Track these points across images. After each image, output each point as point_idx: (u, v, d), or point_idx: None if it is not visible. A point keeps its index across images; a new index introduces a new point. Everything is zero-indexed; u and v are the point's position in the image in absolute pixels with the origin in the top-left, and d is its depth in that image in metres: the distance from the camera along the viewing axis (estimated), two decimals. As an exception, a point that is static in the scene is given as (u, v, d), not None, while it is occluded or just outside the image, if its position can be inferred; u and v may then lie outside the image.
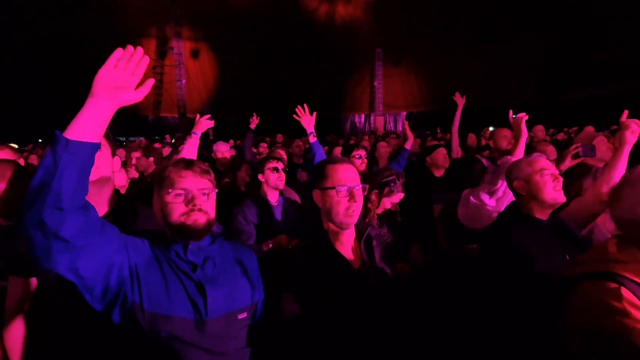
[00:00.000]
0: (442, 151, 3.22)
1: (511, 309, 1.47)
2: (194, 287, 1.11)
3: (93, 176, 1.27)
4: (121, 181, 2.47)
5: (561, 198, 1.55)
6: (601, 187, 1.72)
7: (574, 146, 2.36)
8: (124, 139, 14.37)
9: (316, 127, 2.84)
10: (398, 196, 2.21)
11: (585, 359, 0.96)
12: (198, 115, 2.58)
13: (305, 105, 2.82)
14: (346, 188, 1.25)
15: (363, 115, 17.97)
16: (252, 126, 4.18)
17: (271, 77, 15.23)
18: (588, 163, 2.45)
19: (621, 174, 1.69)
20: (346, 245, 1.31)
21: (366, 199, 1.46)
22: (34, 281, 1.39)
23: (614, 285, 0.96)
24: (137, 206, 1.47)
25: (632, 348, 0.87)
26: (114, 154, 1.42)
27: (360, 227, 1.36)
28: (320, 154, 2.80)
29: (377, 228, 1.62)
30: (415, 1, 13.50)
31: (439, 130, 10.46)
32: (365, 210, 1.46)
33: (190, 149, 2.45)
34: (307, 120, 2.80)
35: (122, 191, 2.19)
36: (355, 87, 17.44)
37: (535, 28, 11.81)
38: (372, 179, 2.15)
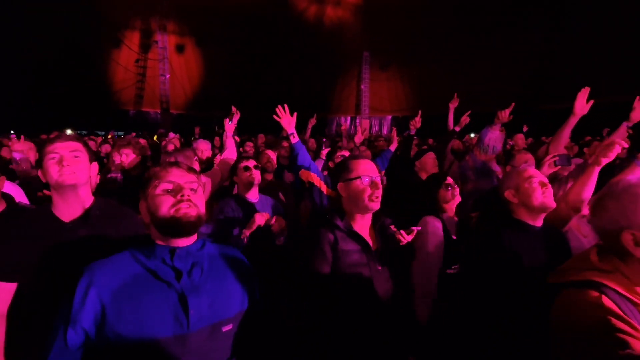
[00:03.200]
0: (431, 155, 3.23)
1: (498, 312, 1.50)
2: (175, 299, 1.04)
3: (70, 180, 1.34)
4: (94, 181, 2.41)
5: (550, 203, 1.61)
6: (571, 198, 1.79)
7: (550, 155, 2.42)
8: (102, 133, 13.95)
9: (302, 127, 2.83)
10: None
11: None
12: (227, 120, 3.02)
13: (285, 105, 2.78)
14: (369, 178, 1.46)
15: (349, 118, 18.05)
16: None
17: (258, 76, 15.10)
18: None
19: (591, 189, 1.76)
20: (363, 229, 1.50)
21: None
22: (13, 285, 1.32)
23: (595, 293, 0.99)
24: (114, 208, 1.47)
25: (611, 356, 0.88)
26: (91, 160, 1.45)
27: (377, 216, 1.54)
28: (303, 153, 2.80)
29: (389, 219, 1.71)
30: (403, 7, 13.67)
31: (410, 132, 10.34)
32: None
33: (231, 149, 2.85)
34: (288, 120, 2.77)
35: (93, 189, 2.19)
36: (342, 89, 17.52)
37: (520, 37, 12.14)
38: None
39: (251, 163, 2.56)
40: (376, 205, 1.45)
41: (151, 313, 1.01)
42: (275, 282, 2.01)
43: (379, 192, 1.45)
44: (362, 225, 1.49)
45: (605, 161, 1.75)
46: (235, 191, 2.74)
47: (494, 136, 2.88)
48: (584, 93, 2.48)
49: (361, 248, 1.43)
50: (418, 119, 3.75)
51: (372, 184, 1.45)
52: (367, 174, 1.47)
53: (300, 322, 1.39)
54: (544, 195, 1.61)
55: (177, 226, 1.07)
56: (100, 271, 1.04)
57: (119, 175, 2.87)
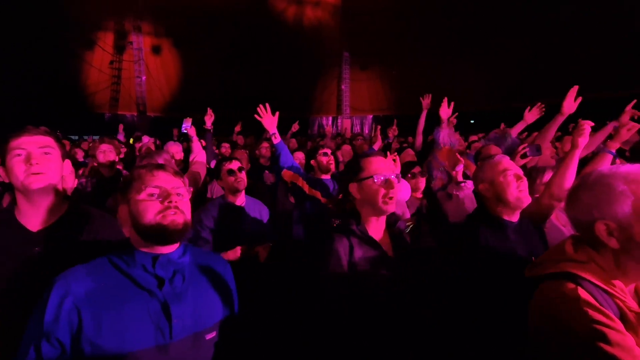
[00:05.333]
0: (409, 152, 3.30)
1: (477, 309, 1.50)
2: (158, 307, 1.01)
3: (40, 183, 1.18)
4: (70, 184, 2.27)
5: (526, 198, 1.57)
6: (554, 189, 1.75)
7: (521, 146, 2.47)
8: (76, 137, 13.44)
9: (284, 127, 2.80)
10: None
11: (547, 357, 0.99)
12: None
13: (267, 105, 2.69)
14: (382, 177, 1.37)
15: (330, 118, 18.07)
16: (208, 125, 3.96)
17: (237, 77, 14.88)
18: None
19: (572, 176, 1.72)
20: (378, 233, 1.42)
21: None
22: None
23: (571, 285, 1.00)
24: (91, 212, 1.35)
25: (589, 347, 0.90)
26: (64, 157, 1.29)
27: (391, 219, 1.47)
28: (285, 154, 2.74)
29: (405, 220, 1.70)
30: (382, 7, 13.80)
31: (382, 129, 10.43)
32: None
33: (199, 151, 2.76)
34: (269, 120, 2.68)
35: (69, 193, 2.06)
36: (322, 89, 17.50)
37: (498, 38, 12.45)
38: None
39: (235, 165, 2.42)
40: (391, 207, 1.36)
41: (132, 323, 0.97)
42: (264, 288, 1.96)
43: (394, 192, 1.36)
44: (377, 229, 1.41)
45: (582, 141, 1.71)
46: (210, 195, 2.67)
47: (445, 133, 2.95)
48: (572, 92, 2.42)
49: (377, 255, 1.35)
50: (394, 127, 3.87)
51: (387, 183, 1.36)
52: (381, 172, 1.38)
53: (304, 326, 1.33)
54: (519, 190, 1.56)
55: (163, 234, 1.02)
56: (76, 279, 0.98)
57: (84, 180, 2.77)
